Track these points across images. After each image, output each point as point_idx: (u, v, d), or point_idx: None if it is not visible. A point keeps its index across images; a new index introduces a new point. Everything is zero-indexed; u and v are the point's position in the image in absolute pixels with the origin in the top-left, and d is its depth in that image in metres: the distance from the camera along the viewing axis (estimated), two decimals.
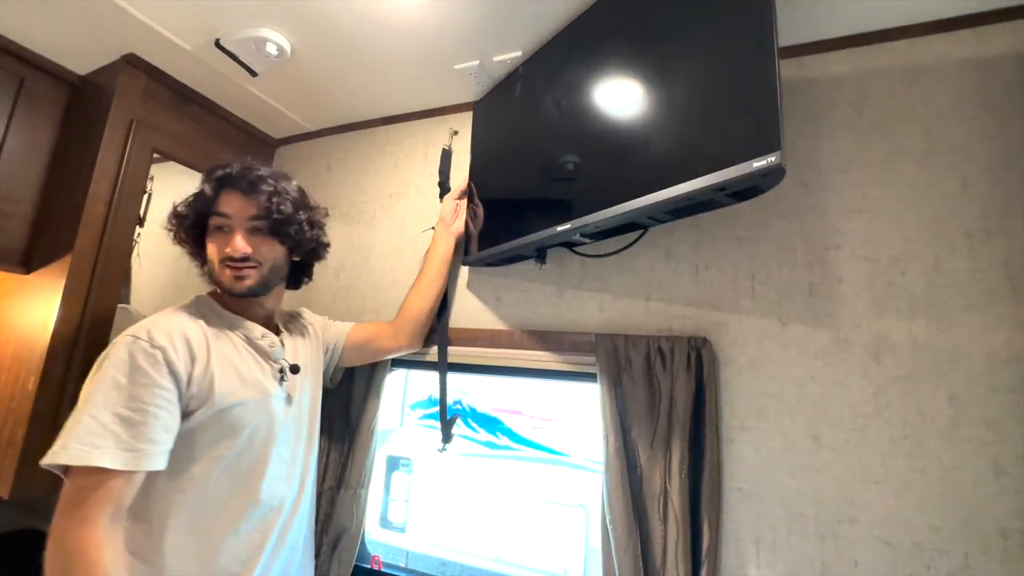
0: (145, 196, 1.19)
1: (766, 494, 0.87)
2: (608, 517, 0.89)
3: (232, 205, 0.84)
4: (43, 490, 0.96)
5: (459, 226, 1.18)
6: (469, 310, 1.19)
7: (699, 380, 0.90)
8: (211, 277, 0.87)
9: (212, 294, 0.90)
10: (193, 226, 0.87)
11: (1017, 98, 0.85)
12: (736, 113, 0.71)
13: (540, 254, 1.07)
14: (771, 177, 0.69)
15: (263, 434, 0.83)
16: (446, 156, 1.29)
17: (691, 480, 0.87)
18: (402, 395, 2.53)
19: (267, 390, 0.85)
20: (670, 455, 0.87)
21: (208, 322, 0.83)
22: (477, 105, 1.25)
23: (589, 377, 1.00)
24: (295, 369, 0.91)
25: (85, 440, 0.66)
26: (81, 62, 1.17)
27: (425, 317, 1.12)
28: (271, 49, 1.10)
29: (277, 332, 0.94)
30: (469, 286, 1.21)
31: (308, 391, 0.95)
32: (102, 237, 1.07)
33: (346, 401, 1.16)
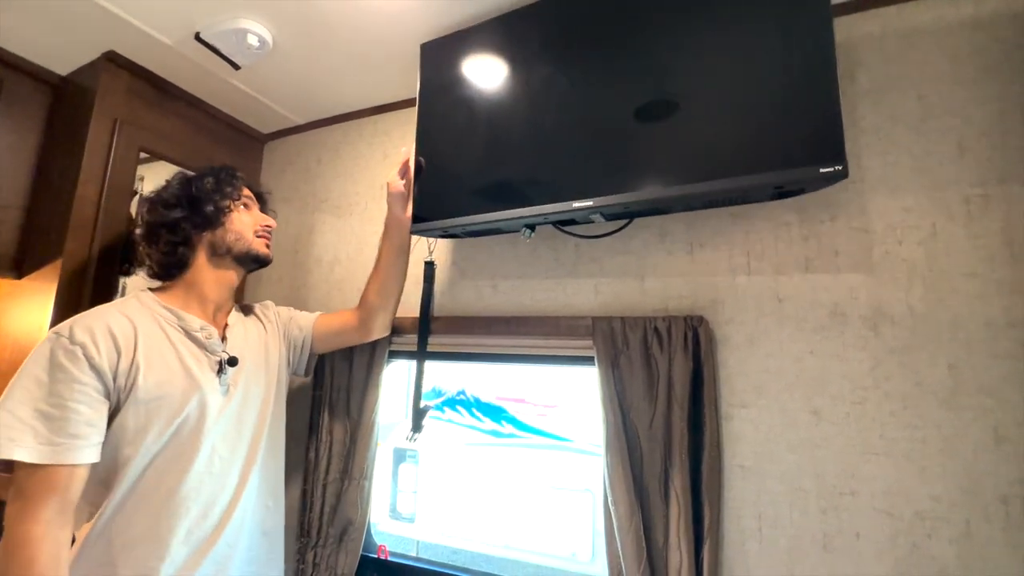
0: (136, 196, 1.19)
1: (767, 470, 0.87)
2: (610, 499, 0.89)
3: (247, 190, 0.99)
4: None
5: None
6: (465, 298, 1.19)
7: (696, 359, 0.89)
8: (235, 247, 0.93)
9: (153, 289, 0.91)
10: (211, 204, 0.92)
11: (1015, 59, 0.83)
12: (800, 116, 0.75)
13: (531, 226, 0.99)
14: (829, 181, 0.74)
15: (191, 425, 0.82)
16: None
17: (691, 459, 0.87)
18: (406, 387, 2.54)
19: (198, 382, 0.84)
20: (670, 435, 0.87)
21: (142, 316, 0.84)
22: (428, 46, 1.09)
23: (587, 361, 0.99)
24: (232, 362, 0.90)
25: (2, 434, 0.69)
26: (61, 62, 1.15)
27: (387, 308, 1.09)
28: (252, 41, 1.08)
29: (224, 325, 0.94)
30: (464, 274, 1.20)
31: (258, 385, 0.94)
32: (92, 239, 1.06)
33: (347, 394, 1.17)
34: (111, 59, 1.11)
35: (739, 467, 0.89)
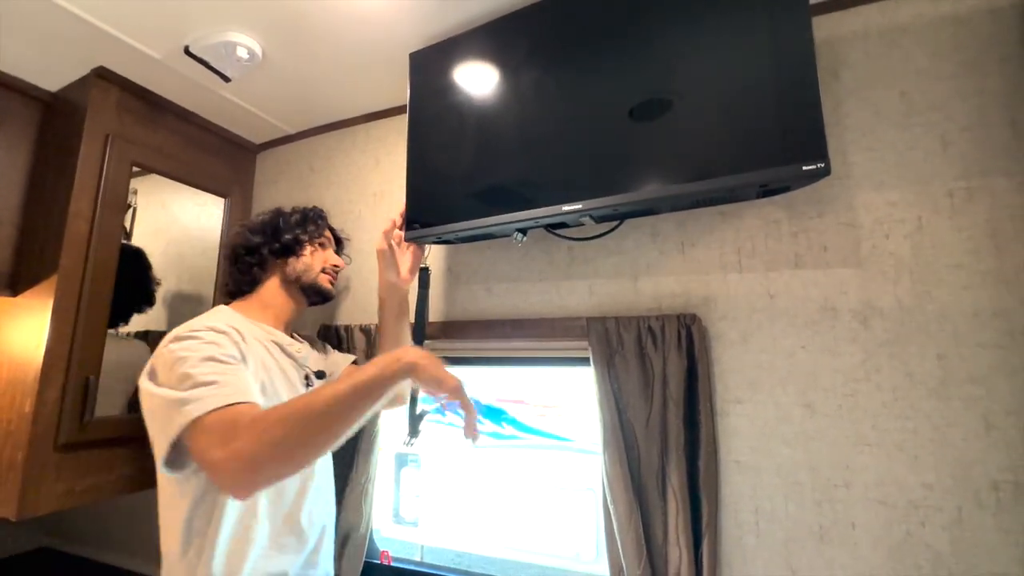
0: (130, 210, 1.19)
1: (762, 464, 0.88)
2: (609, 498, 0.90)
3: (328, 233, 1.12)
4: (48, 510, 0.97)
5: (408, 272, 1.07)
6: (460, 302, 1.19)
7: (691, 357, 0.90)
8: (304, 277, 1.02)
9: (231, 306, 0.99)
10: (291, 236, 1.03)
11: (993, 53, 0.84)
12: (782, 115, 0.77)
13: (523, 230, 0.99)
14: (813, 179, 0.76)
15: None
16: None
17: (688, 456, 0.88)
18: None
19: (297, 388, 0.92)
20: (666, 433, 0.88)
21: (237, 324, 0.88)
22: (417, 55, 1.10)
23: (583, 362, 1.00)
24: (320, 375, 0.99)
25: (197, 394, 0.69)
26: (51, 78, 1.15)
27: None
28: (242, 53, 1.09)
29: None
30: (459, 278, 1.21)
31: None
32: (87, 255, 1.06)
33: None
34: (101, 75, 1.12)
35: (735, 462, 0.90)
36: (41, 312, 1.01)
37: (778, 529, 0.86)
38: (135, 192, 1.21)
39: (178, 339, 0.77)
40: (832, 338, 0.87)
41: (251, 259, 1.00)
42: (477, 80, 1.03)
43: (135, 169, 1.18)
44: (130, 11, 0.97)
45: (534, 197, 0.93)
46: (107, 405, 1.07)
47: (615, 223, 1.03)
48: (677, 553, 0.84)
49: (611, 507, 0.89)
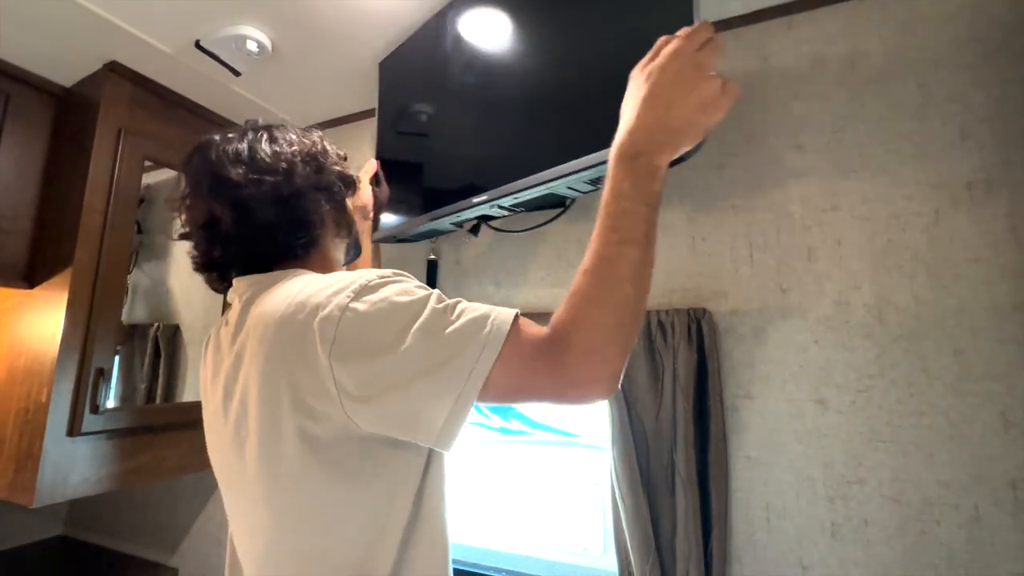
0: (142, 204, 1.20)
1: (774, 460, 0.87)
2: (617, 492, 0.89)
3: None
4: (65, 498, 0.99)
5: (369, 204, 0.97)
6: (469, 296, 1.19)
7: (701, 351, 0.89)
8: (352, 229, 0.72)
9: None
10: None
11: (1015, 43, 0.82)
12: None
13: (474, 228, 1.06)
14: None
15: None
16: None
17: (698, 451, 0.87)
18: None
19: None
20: (675, 428, 0.88)
21: None
22: (383, 63, 1.16)
23: None
24: None
25: (464, 338, 0.47)
26: (65, 73, 1.16)
27: None
28: (252, 47, 1.09)
29: None
30: (468, 272, 1.21)
31: None
32: (101, 248, 1.07)
33: None
34: (113, 69, 1.13)
35: (746, 458, 0.89)
36: (57, 304, 1.03)
37: (789, 525, 0.85)
38: (147, 187, 1.22)
39: (366, 289, 0.50)
40: (846, 333, 0.86)
41: (304, 204, 0.63)
42: (418, 85, 1.09)
43: (147, 163, 1.19)
44: (142, 5, 0.98)
45: (457, 193, 0.96)
46: None
47: (555, 213, 1.02)
48: (686, 548, 0.83)
49: (620, 502, 0.89)
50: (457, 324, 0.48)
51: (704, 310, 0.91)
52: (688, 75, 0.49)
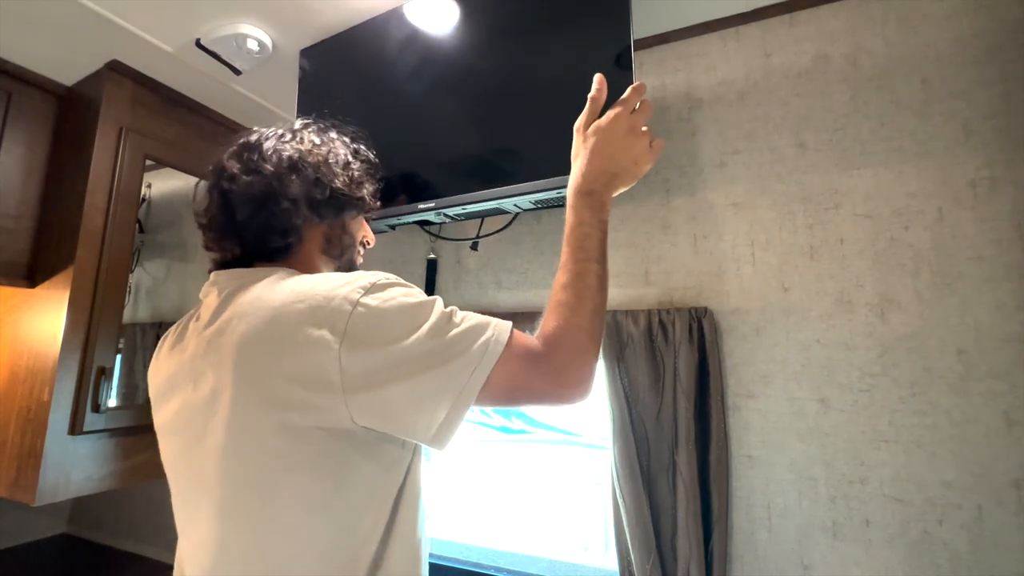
0: (144, 204, 1.20)
1: (775, 459, 0.87)
2: (618, 492, 0.89)
3: None
4: (67, 496, 0.99)
5: None
6: (469, 295, 1.19)
7: (702, 350, 0.89)
8: (343, 253, 0.70)
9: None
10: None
11: (1018, 39, 0.81)
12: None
13: (474, 245, 1.07)
14: None
15: None
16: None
17: (699, 450, 0.87)
18: None
19: None
20: (676, 427, 0.87)
21: None
22: (305, 51, 1.11)
23: None
24: None
25: (467, 341, 0.51)
26: (66, 72, 1.16)
27: None
28: (252, 45, 1.09)
29: None
30: (468, 270, 1.21)
31: None
32: (102, 247, 1.07)
33: None
34: (115, 68, 1.13)
35: (747, 457, 0.89)
36: (58, 303, 1.03)
37: (790, 525, 0.84)
38: (148, 186, 1.22)
39: (374, 288, 0.52)
40: (848, 332, 0.85)
41: (290, 207, 0.61)
42: (353, 82, 1.04)
43: (148, 162, 1.19)
44: (143, 4, 0.98)
45: (401, 195, 0.95)
46: None
47: (502, 225, 1.04)
48: (687, 547, 0.83)
49: (620, 501, 0.89)
50: (461, 328, 0.52)
51: (705, 309, 0.91)
52: (624, 135, 0.63)
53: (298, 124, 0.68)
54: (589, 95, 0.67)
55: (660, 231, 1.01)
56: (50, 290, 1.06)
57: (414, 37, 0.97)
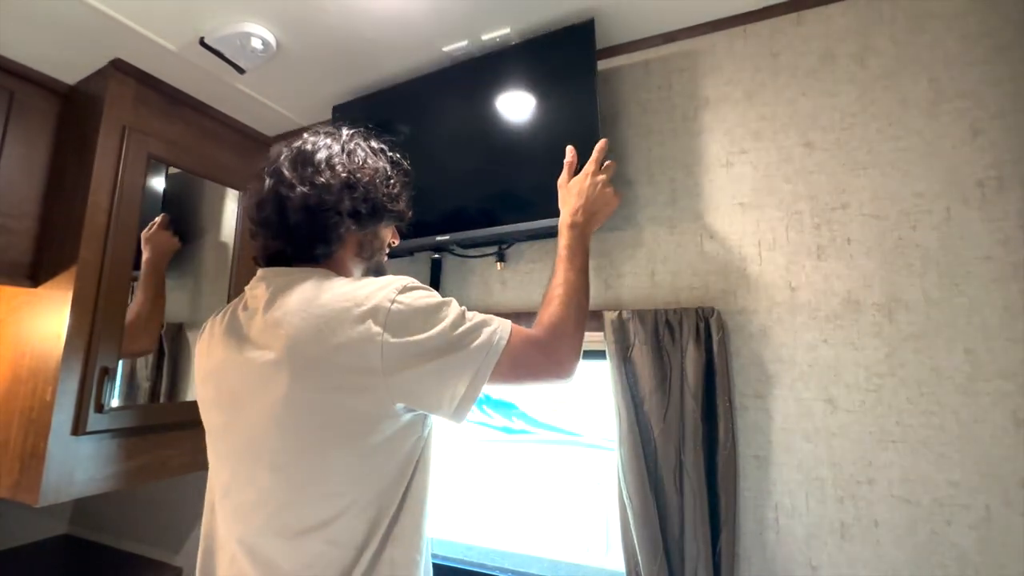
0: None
1: (783, 460, 0.87)
2: (625, 492, 0.89)
3: None
4: (70, 497, 0.98)
5: None
6: (474, 294, 1.19)
7: (709, 351, 0.89)
8: (373, 255, 0.77)
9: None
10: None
11: None
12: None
13: (500, 255, 1.16)
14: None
15: None
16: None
17: (706, 450, 0.86)
18: None
19: None
20: (683, 427, 0.87)
21: None
22: (338, 108, 1.32)
23: (598, 355, 0.99)
24: None
25: (480, 331, 0.63)
26: (69, 71, 1.16)
27: None
28: (256, 44, 1.09)
29: None
30: (473, 270, 1.20)
31: None
32: (105, 246, 1.07)
33: None
34: (118, 67, 1.12)
35: (754, 457, 0.88)
36: (61, 303, 1.02)
37: (798, 525, 0.84)
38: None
39: (406, 290, 0.63)
40: (855, 332, 0.85)
41: (338, 220, 0.70)
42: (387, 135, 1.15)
43: (151, 161, 1.18)
44: (146, 2, 0.97)
45: (423, 229, 1.06)
46: None
47: (502, 247, 1.15)
48: (694, 548, 0.83)
49: (627, 502, 0.88)
50: (474, 321, 0.65)
51: (713, 309, 0.91)
52: (594, 188, 0.84)
53: (345, 134, 0.76)
54: (565, 161, 0.89)
55: (667, 231, 1.01)
56: (53, 290, 1.05)
57: (433, 103, 1.17)
